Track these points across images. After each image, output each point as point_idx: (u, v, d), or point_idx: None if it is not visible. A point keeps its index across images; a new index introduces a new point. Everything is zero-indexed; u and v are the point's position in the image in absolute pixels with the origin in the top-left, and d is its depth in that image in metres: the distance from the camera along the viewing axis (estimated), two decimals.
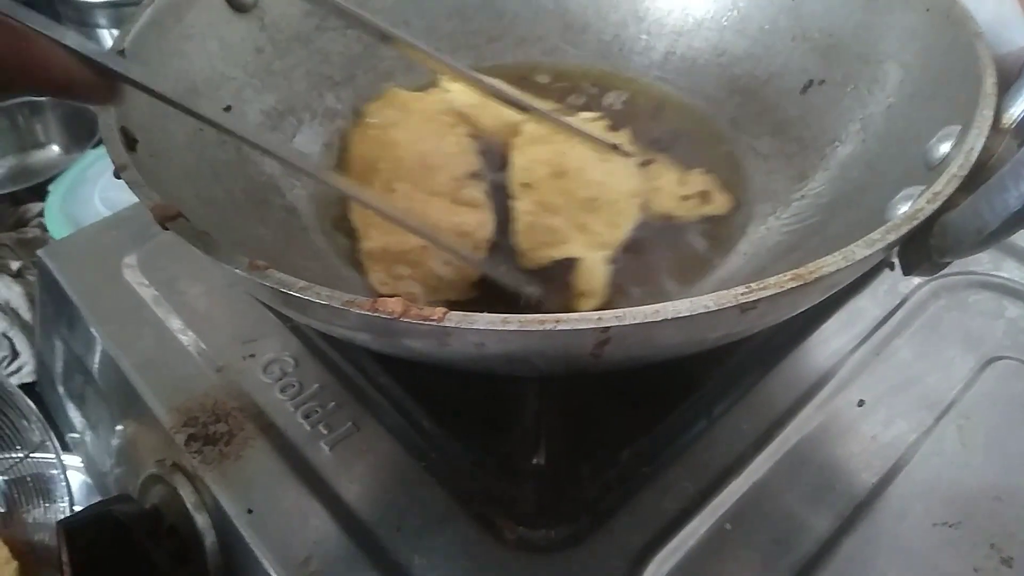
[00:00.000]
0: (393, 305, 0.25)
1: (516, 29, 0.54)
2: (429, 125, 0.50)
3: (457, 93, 0.51)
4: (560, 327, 0.25)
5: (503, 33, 0.53)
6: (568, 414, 0.38)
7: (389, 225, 0.43)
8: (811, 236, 0.39)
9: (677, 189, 0.46)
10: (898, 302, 0.45)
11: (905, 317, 0.44)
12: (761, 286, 0.25)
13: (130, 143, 0.33)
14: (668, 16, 0.52)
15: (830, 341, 0.43)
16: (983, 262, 0.46)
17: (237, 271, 0.26)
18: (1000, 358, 0.42)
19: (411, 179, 0.46)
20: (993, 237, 0.27)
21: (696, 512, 0.36)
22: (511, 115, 0.49)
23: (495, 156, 0.49)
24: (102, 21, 0.81)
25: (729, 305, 0.25)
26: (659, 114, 0.51)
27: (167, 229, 0.28)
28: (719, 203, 0.45)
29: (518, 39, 0.54)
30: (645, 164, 0.48)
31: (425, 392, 0.40)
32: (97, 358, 0.47)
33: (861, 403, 0.40)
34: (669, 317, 0.25)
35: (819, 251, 0.26)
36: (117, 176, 0.31)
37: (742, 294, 0.25)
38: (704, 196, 0.46)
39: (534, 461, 0.37)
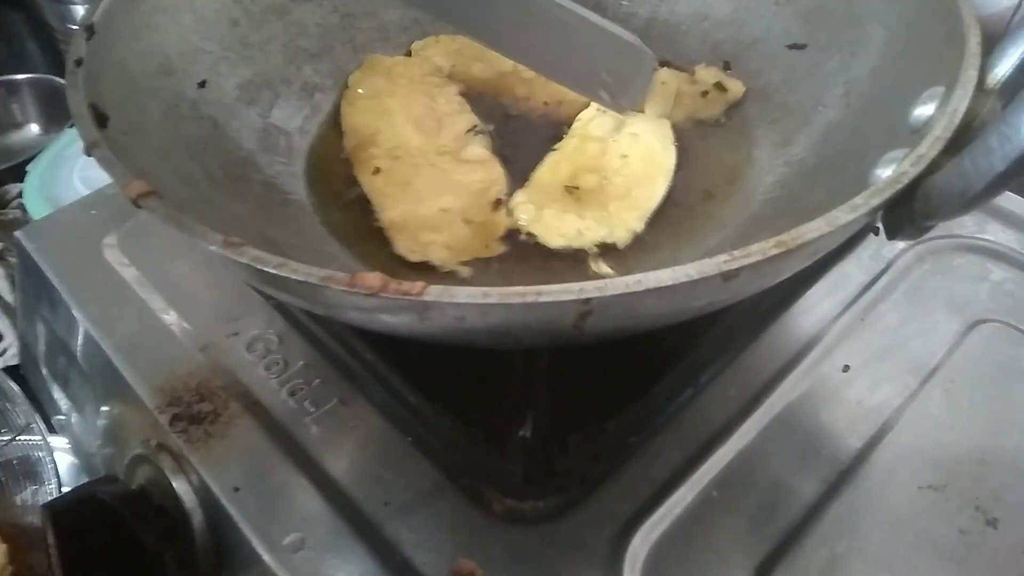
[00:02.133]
0: (371, 280, 0.24)
1: None
2: (418, 88, 0.49)
3: (438, 53, 0.51)
4: (541, 299, 0.24)
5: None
6: (555, 385, 0.38)
7: (404, 194, 0.43)
8: (795, 202, 0.38)
9: (692, 88, 0.47)
10: (883, 267, 0.44)
11: (890, 282, 0.44)
12: (744, 254, 0.25)
13: (101, 120, 0.32)
14: None
15: (815, 307, 0.43)
16: (967, 225, 0.46)
17: (211, 248, 0.26)
18: (985, 321, 0.42)
19: (413, 144, 0.46)
20: (978, 199, 0.26)
21: (683, 480, 0.36)
22: (502, 62, 0.49)
23: (490, 108, 0.49)
24: None
25: (712, 274, 0.25)
26: None
27: (140, 207, 0.28)
28: (735, 88, 0.47)
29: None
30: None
31: (411, 366, 0.40)
32: (79, 340, 0.47)
33: (846, 368, 0.40)
34: (651, 287, 0.24)
35: (804, 217, 0.26)
36: (88, 154, 0.30)
37: (724, 262, 0.25)
38: (719, 87, 0.47)
39: (521, 433, 0.37)
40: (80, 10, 0.82)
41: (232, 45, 0.44)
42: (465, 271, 0.40)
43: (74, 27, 0.36)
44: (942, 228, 0.46)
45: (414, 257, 0.40)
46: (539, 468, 0.36)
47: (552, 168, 0.44)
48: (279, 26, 0.46)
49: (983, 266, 0.44)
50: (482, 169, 0.44)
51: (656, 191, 0.43)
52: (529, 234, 0.41)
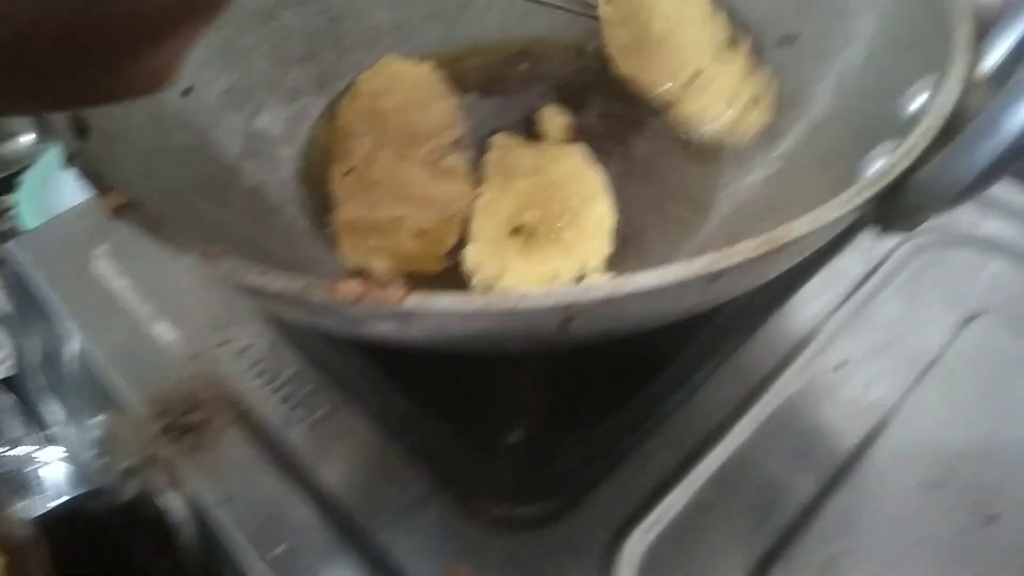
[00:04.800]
0: (351, 288, 0.24)
1: (488, 3, 0.52)
2: (419, 94, 0.49)
3: None
4: (523, 305, 0.24)
5: (474, 9, 0.52)
6: (546, 388, 0.38)
7: (366, 197, 0.43)
8: (787, 196, 0.38)
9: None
10: (878, 261, 0.44)
11: (885, 276, 0.43)
12: (730, 253, 0.24)
13: (82, 131, 0.32)
14: None
15: (810, 303, 0.42)
16: (964, 217, 0.46)
17: (190, 259, 0.26)
18: (982, 314, 0.41)
19: (395, 147, 0.45)
20: (969, 192, 0.26)
21: (677, 482, 0.36)
22: None
23: (485, 122, 0.48)
24: None
25: (697, 275, 0.24)
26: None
27: (118, 219, 0.27)
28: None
29: (491, 13, 0.52)
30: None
31: (403, 372, 0.39)
32: (71, 350, 0.46)
33: (842, 365, 0.39)
34: (635, 290, 0.24)
35: (795, 212, 0.26)
36: (68, 165, 0.30)
37: (710, 263, 0.24)
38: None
39: (512, 438, 0.36)
40: None
41: (217, 51, 0.43)
42: (400, 284, 0.39)
43: None
44: (938, 222, 0.45)
45: (354, 262, 0.40)
46: (531, 473, 0.36)
47: (489, 214, 0.42)
48: (265, 31, 0.46)
49: (980, 259, 0.44)
50: (451, 183, 0.44)
51: (603, 209, 0.41)
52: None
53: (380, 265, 0.40)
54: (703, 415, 0.38)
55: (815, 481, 0.36)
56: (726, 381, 0.40)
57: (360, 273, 0.40)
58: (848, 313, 0.42)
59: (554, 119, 0.48)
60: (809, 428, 0.38)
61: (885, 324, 0.41)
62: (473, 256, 0.40)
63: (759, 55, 0.46)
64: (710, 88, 0.46)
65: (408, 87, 0.49)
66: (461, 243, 0.41)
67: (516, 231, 0.41)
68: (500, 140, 0.46)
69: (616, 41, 0.50)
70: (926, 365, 0.39)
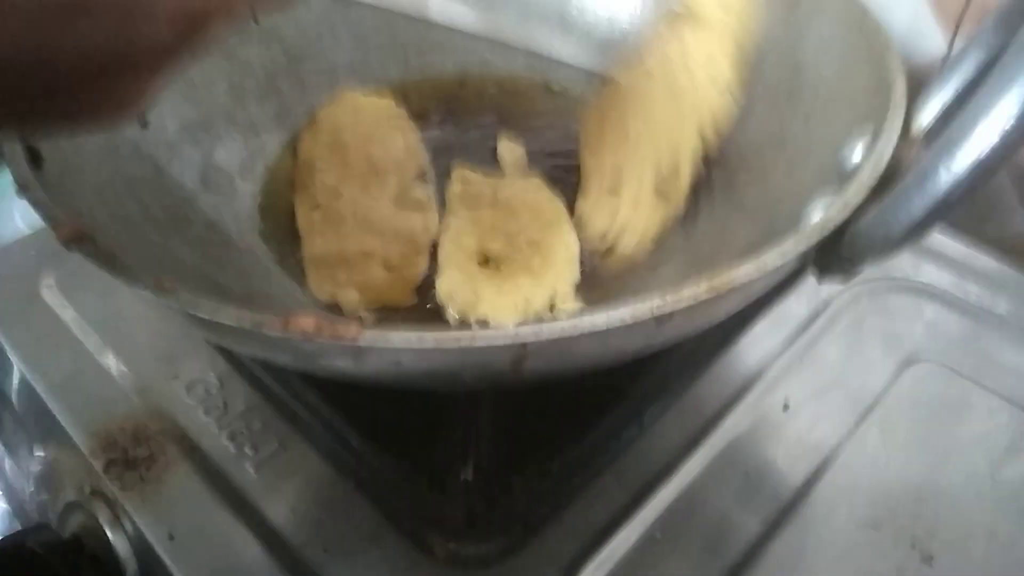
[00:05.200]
0: (305, 324, 0.24)
1: (445, 41, 0.53)
2: (381, 127, 0.49)
3: None
4: (477, 343, 0.24)
5: (432, 47, 0.53)
6: (497, 425, 0.38)
7: (334, 231, 0.43)
8: (734, 243, 0.39)
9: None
10: (822, 305, 0.45)
11: (829, 319, 0.45)
12: (676, 298, 0.25)
13: (35, 159, 0.31)
14: (596, 29, 0.52)
15: (758, 344, 0.44)
16: (903, 266, 0.48)
17: (143, 291, 0.25)
18: (918, 359, 0.43)
19: (359, 181, 0.46)
20: (899, 244, 0.27)
21: (627, 520, 0.36)
22: None
23: (447, 154, 0.49)
24: None
25: (645, 318, 0.25)
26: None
27: (71, 250, 0.27)
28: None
29: (448, 51, 0.53)
30: None
31: (354, 409, 0.39)
32: (14, 382, 0.45)
33: (786, 407, 0.40)
34: (586, 331, 0.25)
35: (742, 258, 0.27)
36: (20, 195, 0.30)
37: (657, 306, 0.25)
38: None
39: (463, 474, 0.37)
40: None
41: (176, 85, 0.43)
42: (370, 319, 0.40)
43: None
44: (879, 269, 0.47)
45: (323, 296, 0.40)
46: (481, 510, 0.36)
47: (456, 245, 0.42)
48: (226, 67, 0.46)
49: (917, 306, 0.46)
50: (417, 215, 0.44)
51: (569, 237, 0.42)
52: (480, 321, 0.39)
53: (351, 299, 0.40)
54: (653, 453, 0.39)
55: (761, 520, 0.36)
56: (676, 420, 0.40)
57: (331, 307, 0.40)
58: (794, 355, 0.43)
59: (512, 152, 0.49)
60: (756, 467, 0.39)
61: (828, 366, 0.43)
62: (445, 287, 0.40)
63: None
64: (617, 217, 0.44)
65: (370, 120, 0.49)
66: (431, 275, 0.42)
67: (485, 261, 0.42)
68: (460, 173, 0.47)
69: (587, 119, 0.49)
70: (867, 407, 0.41)
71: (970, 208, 0.54)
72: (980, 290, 0.46)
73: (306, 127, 0.49)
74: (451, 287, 0.40)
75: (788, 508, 0.37)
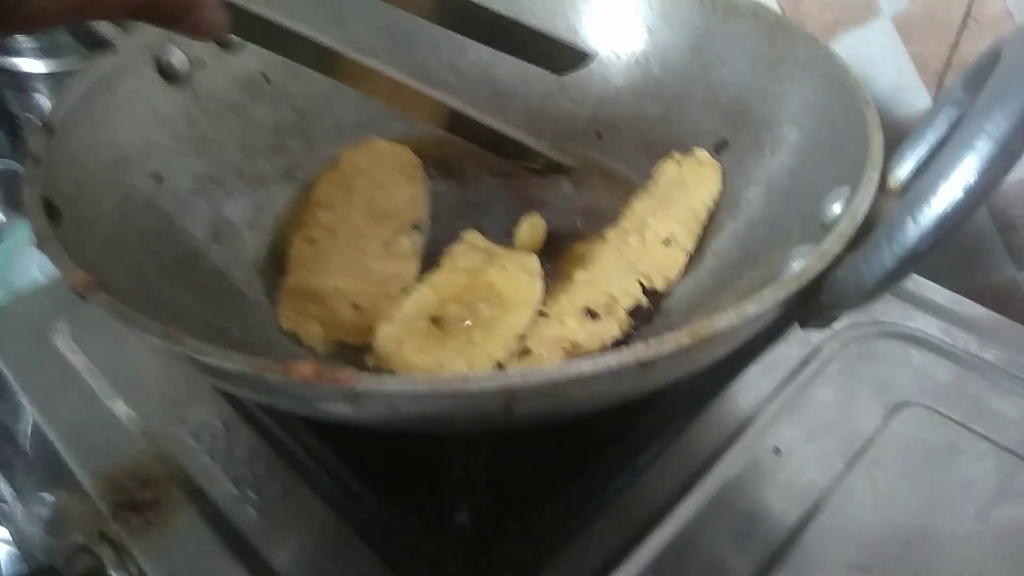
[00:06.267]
0: (305, 370, 0.26)
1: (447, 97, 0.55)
2: (391, 175, 0.51)
3: None
4: (468, 387, 0.26)
5: None
6: (493, 469, 0.39)
7: (317, 266, 0.45)
8: (722, 292, 0.40)
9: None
10: (812, 351, 0.46)
11: (820, 365, 0.46)
12: (659, 344, 0.27)
13: (53, 214, 0.33)
14: (591, 85, 0.54)
15: (750, 389, 0.45)
16: (893, 312, 0.49)
17: (152, 339, 0.27)
18: (907, 404, 0.43)
19: (356, 225, 0.48)
20: (874, 293, 0.29)
21: (622, 564, 0.36)
22: None
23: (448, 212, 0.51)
24: (41, 88, 0.81)
25: (629, 364, 0.26)
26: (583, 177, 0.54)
27: (85, 300, 0.29)
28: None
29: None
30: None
31: (355, 454, 0.40)
32: (25, 427, 0.47)
33: (777, 451, 0.41)
34: (573, 376, 0.26)
35: (728, 306, 0.28)
36: (38, 247, 0.31)
37: (642, 352, 0.26)
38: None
39: (460, 517, 0.37)
40: (42, 99, 0.85)
41: (189, 140, 0.45)
42: (323, 349, 0.42)
43: (34, 116, 0.37)
44: (868, 315, 0.48)
45: (286, 325, 0.42)
46: (477, 554, 0.36)
47: (419, 300, 0.44)
48: (236, 122, 0.48)
49: (905, 352, 0.47)
50: (397, 263, 0.46)
51: (520, 320, 0.43)
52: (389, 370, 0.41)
53: (313, 331, 0.42)
54: (647, 497, 0.39)
55: (754, 562, 0.37)
56: (670, 464, 0.41)
57: (292, 336, 0.42)
58: (785, 400, 0.44)
59: (533, 228, 0.49)
60: (748, 511, 0.39)
61: (819, 410, 0.44)
62: (380, 333, 0.42)
63: None
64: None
65: (385, 167, 0.52)
66: None
67: (436, 320, 0.43)
68: (470, 236, 0.48)
69: None
70: (857, 451, 0.41)
71: (958, 256, 0.55)
72: (968, 336, 0.47)
73: (325, 168, 0.51)
74: (385, 335, 0.42)
75: (780, 551, 0.37)
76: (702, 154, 0.49)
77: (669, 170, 0.50)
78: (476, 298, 0.44)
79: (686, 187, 0.48)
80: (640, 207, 0.49)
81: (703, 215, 0.47)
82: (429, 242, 0.49)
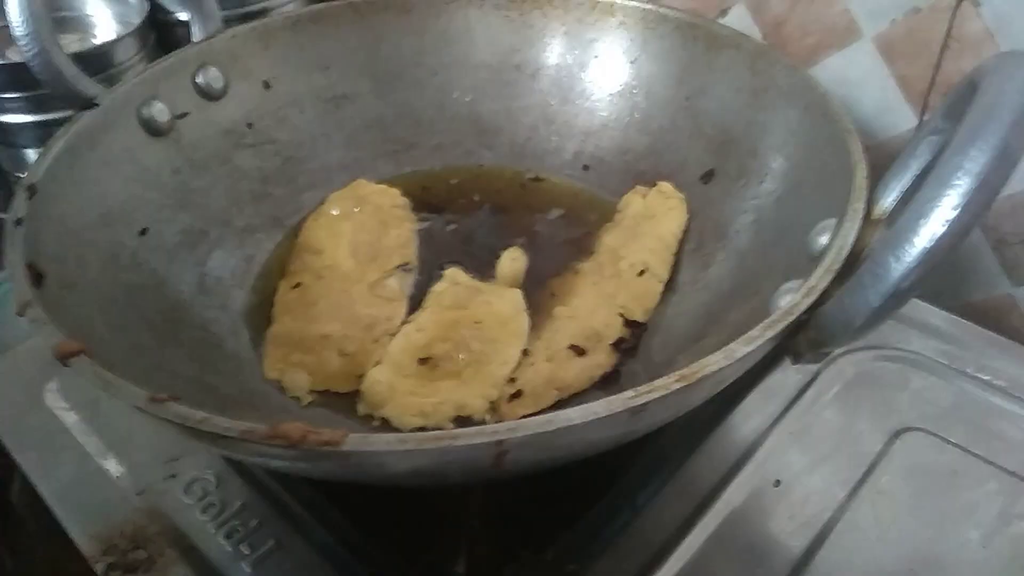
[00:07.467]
0: (290, 432, 0.25)
1: (433, 136, 0.56)
2: (378, 217, 0.51)
3: None
4: (457, 443, 0.25)
5: (420, 140, 0.55)
6: (491, 516, 0.38)
7: (303, 312, 0.45)
8: (713, 325, 0.40)
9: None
10: (810, 376, 0.46)
11: (818, 391, 0.45)
12: (648, 389, 0.26)
13: (36, 279, 0.33)
14: (576, 119, 0.54)
15: (749, 419, 0.44)
16: (891, 335, 0.48)
17: (137, 406, 0.27)
18: (908, 429, 0.43)
19: (342, 268, 0.47)
20: (862, 329, 0.28)
21: None
22: None
23: (436, 250, 0.51)
24: (28, 142, 0.81)
25: (619, 410, 0.26)
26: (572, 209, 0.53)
27: (67, 366, 0.28)
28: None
29: (435, 145, 0.56)
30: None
31: (350, 505, 0.40)
32: (16, 485, 0.46)
33: (778, 482, 0.41)
34: (561, 426, 0.26)
35: (720, 341, 0.28)
36: (20, 314, 0.31)
37: (630, 398, 0.26)
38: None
39: (458, 567, 0.37)
40: (31, 154, 0.84)
41: (173, 192, 0.45)
42: (308, 398, 0.41)
43: (24, 176, 0.38)
44: (866, 339, 0.48)
45: (271, 374, 0.42)
46: None
47: (406, 341, 0.43)
48: (221, 172, 0.48)
49: (904, 375, 0.46)
50: (385, 305, 0.46)
51: (511, 355, 0.42)
52: (383, 419, 0.40)
53: (298, 380, 0.42)
54: (648, 535, 0.39)
55: None
56: (670, 500, 0.40)
57: (278, 385, 0.42)
58: (785, 427, 0.43)
59: (513, 261, 0.49)
60: (752, 544, 0.39)
61: (820, 438, 0.43)
62: (370, 379, 0.42)
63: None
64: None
65: (372, 209, 0.52)
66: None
67: (424, 360, 0.43)
68: (451, 273, 0.48)
69: None
70: (859, 479, 0.41)
71: (952, 274, 0.55)
72: (967, 357, 0.47)
73: (312, 213, 0.51)
74: (374, 380, 0.41)
75: None
76: (666, 187, 0.50)
77: (634, 202, 0.50)
78: (464, 335, 0.44)
79: (654, 217, 0.48)
80: (609, 239, 0.49)
81: (673, 245, 0.47)
82: (417, 282, 0.49)
